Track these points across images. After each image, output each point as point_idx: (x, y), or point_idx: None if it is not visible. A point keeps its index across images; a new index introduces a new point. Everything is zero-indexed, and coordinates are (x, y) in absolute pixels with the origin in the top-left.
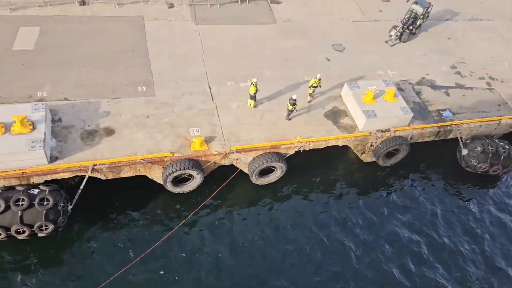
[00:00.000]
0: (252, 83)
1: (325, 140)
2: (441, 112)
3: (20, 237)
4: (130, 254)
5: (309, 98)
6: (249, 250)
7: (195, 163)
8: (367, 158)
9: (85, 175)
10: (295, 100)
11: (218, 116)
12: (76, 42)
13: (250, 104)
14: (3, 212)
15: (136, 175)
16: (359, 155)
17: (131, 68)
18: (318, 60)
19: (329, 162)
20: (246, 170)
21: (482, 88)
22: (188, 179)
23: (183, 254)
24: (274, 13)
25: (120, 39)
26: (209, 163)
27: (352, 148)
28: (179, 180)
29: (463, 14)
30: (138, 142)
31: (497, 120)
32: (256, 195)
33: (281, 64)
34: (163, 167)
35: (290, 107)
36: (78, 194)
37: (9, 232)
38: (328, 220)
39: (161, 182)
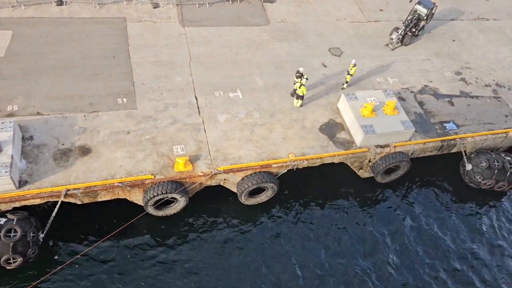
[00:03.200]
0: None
1: (320, 158)
2: (445, 125)
3: None
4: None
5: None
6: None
7: (179, 186)
8: (364, 173)
9: (58, 200)
10: (300, 74)
11: (205, 131)
12: (51, 47)
13: (296, 104)
14: None
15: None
16: (356, 171)
17: (111, 77)
18: (314, 66)
19: (324, 176)
20: (234, 190)
21: (488, 97)
22: (172, 202)
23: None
24: (268, 14)
25: (100, 44)
26: (194, 185)
27: (349, 164)
28: (162, 203)
29: (469, 13)
30: (116, 162)
31: (504, 132)
32: (245, 215)
33: (274, 71)
34: (143, 190)
35: (297, 83)
36: (50, 221)
37: None
38: (320, 238)
39: (142, 205)
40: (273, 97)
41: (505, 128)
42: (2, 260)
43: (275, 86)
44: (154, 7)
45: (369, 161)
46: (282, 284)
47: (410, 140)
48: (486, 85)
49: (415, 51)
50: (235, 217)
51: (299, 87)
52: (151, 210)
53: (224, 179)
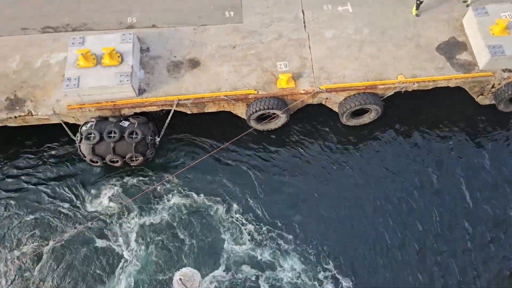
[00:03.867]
0: None
1: (434, 81)
2: None
3: (115, 165)
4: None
5: (469, 1)
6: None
7: (280, 102)
8: (484, 100)
9: (171, 109)
10: None
11: (310, 47)
12: None
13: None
14: (98, 142)
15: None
16: (474, 97)
17: None
18: None
19: (435, 101)
20: (336, 110)
21: None
22: (274, 117)
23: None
24: None
25: None
26: (295, 102)
27: (466, 89)
28: (264, 118)
29: None
30: (223, 76)
31: None
32: (346, 135)
33: None
34: (247, 105)
35: None
36: (164, 128)
37: (104, 161)
38: (424, 169)
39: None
40: (386, 10)
41: None
42: (127, 157)
43: None
44: None
45: (492, 86)
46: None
47: None
48: None
49: None
50: (336, 136)
51: None
52: (253, 124)
53: (326, 98)
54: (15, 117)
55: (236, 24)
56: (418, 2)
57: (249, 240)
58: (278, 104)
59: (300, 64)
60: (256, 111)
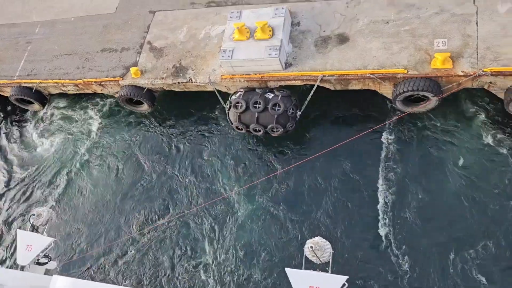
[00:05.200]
0: None
1: None
2: None
3: (257, 134)
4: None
5: None
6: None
7: (432, 84)
8: None
9: (314, 84)
10: None
11: (477, 23)
12: None
13: None
14: (244, 111)
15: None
16: None
17: None
18: None
19: None
20: (501, 96)
21: None
22: (423, 100)
23: None
24: None
25: None
26: (451, 85)
27: None
28: (412, 99)
29: None
30: (371, 53)
31: None
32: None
33: None
34: (394, 84)
35: None
36: (306, 102)
37: (248, 129)
38: None
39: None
40: None
41: None
42: (268, 127)
43: None
44: None
45: None
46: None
47: None
48: None
49: None
50: (499, 124)
51: None
52: (398, 105)
53: (490, 83)
54: (179, 83)
55: None
56: None
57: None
58: (429, 85)
59: (461, 43)
60: (404, 91)
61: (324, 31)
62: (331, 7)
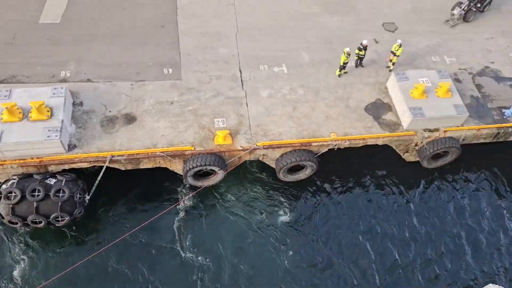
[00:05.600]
0: (344, 53)
1: (363, 139)
2: (504, 111)
3: (38, 226)
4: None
5: (391, 66)
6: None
7: (218, 159)
8: (410, 157)
9: (103, 166)
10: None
11: (247, 105)
12: (104, 15)
13: (337, 72)
14: (19, 202)
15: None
16: (401, 154)
17: (158, 47)
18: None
19: (366, 158)
20: (273, 166)
21: None
22: (211, 173)
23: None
24: None
25: (150, 13)
26: (233, 158)
27: (393, 147)
28: (201, 174)
29: None
30: (159, 132)
31: None
32: (282, 192)
33: (321, 46)
34: (184, 161)
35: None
36: (95, 185)
37: (25, 222)
38: (356, 222)
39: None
40: (319, 73)
41: None
42: (51, 217)
43: (322, 61)
44: None
45: (416, 145)
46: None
47: (462, 125)
48: None
49: (478, 28)
50: (273, 192)
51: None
52: (190, 180)
53: (263, 155)
54: None
55: (174, 80)
56: (342, 65)
57: None
58: (215, 160)
59: (237, 121)
60: (193, 167)
61: (110, 111)
62: (116, 88)
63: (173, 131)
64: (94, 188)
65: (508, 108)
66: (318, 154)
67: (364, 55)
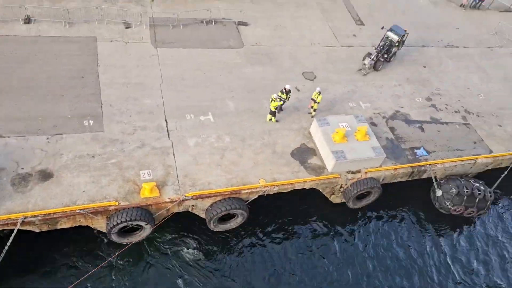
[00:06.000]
0: (273, 99)
1: (291, 184)
2: (415, 151)
3: None
4: None
5: (313, 113)
6: None
7: (144, 213)
8: (336, 199)
9: (14, 228)
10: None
11: (174, 155)
12: (16, 66)
13: (268, 118)
14: None
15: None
16: (328, 197)
17: (78, 98)
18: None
19: (295, 202)
20: (203, 216)
21: (457, 123)
22: (137, 229)
23: None
24: (242, 36)
25: (68, 64)
26: (161, 211)
27: (320, 190)
28: (127, 230)
29: (439, 40)
30: (79, 188)
31: (473, 159)
32: (213, 240)
33: (246, 95)
34: (107, 217)
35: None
36: (4, 251)
37: None
38: (288, 266)
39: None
40: (244, 121)
41: (473, 155)
42: None
43: (246, 110)
44: (126, 27)
45: (341, 187)
46: None
47: (381, 166)
48: (456, 112)
49: (387, 76)
50: (205, 242)
51: (270, 101)
52: (114, 238)
53: (193, 205)
54: None
55: (96, 132)
56: (272, 111)
57: None
58: (141, 214)
59: (164, 172)
60: (118, 223)
61: (22, 168)
62: (29, 143)
63: (95, 186)
64: (3, 254)
65: (419, 148)
66: (248, 201)
67: (286, 98)
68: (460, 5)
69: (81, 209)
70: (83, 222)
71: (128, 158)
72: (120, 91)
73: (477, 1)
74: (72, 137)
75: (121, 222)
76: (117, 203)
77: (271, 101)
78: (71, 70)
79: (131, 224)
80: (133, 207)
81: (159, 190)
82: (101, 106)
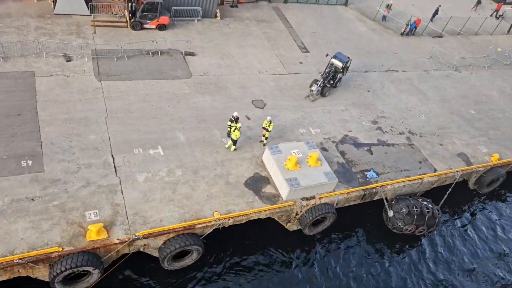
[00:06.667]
0: (235, 128)
1: (246, 215)
2: (366, 173)
3: None
4: None
5: (265, 141)
6: None
7: (91, 257)
8: (292, 226)
9: None
10: (235, 118)
11: (122, 193)
12: None
13: (228, 146)
14: None
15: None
16: (284, 225)
17: (14, 138)
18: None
19: (252, 232)
20: (156, 255)
21: (403, 144)
22: (84, 275)
23: None
24: (190, 67)
25: (3, 101)
26: (110, 254)
27: (276, 219)
28: (73, 277)
29: (380, 65)
30: (17, 235)
31: (419, 178)
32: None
33: (196, 125)
34: (50, 265)
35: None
36: None
37: None
38: None
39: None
40: (196, 152)
41: (420, 174)
42: None
43: (198, 140)
44: (67, 61)
45: (296, 214)
46: None
47: (334, 190)
48: (400, 133)
49: (334, 102)
50: (159, 283)
51: (233, 131)
52: (59, 287)
53: (144, 245)
54: None
55: (35, 173)
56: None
57: None
58: (88, 259)
59: (112, 212)
60: (62, 271)
61: None
62: None
63: (35, 232)
64: None
65: (369, 170)
66: (203, 236)
67: (236, 127)
68: (401, 34)
69: (19, 259)
70: (23, 273)
71: (72, 199)
72: (61, 127)
73: (412, 28)
74: (8, 180)
75: (66, 270)
76: (60, 249)
77: (234, 129)
78: (6, 107)
79: (77, 271)
80: (78, 252)
81: (107, 231)
82: (41, 145)
